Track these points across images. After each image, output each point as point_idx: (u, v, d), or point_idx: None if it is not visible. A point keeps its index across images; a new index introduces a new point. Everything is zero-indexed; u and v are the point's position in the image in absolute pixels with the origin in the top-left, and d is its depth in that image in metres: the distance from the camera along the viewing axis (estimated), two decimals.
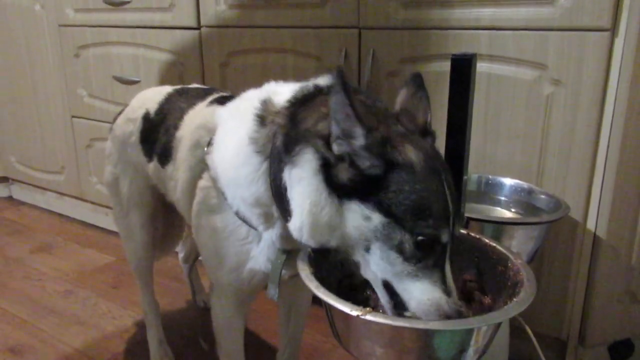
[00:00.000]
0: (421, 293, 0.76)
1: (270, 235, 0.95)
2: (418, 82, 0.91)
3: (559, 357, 1.48)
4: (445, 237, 0.76)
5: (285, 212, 0.85)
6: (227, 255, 1.00)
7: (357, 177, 0.76)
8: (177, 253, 1.86)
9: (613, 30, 1.20)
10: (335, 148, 0.77)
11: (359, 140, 0.75)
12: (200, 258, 1.75)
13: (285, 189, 0.83)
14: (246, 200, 0.93)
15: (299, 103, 0.87)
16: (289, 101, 0.89)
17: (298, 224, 0.81)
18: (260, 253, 0.97)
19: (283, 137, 0.85)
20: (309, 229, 0.80)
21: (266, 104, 0.93)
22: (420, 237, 0.74)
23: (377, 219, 0.76)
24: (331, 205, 0.79)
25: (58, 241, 2.44)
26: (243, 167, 0.92)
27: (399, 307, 0.79)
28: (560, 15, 1.24)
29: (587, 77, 1.25)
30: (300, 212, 0.80)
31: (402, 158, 0.76)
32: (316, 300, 1.35)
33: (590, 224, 1.34)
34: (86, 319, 1.81)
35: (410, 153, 0.77)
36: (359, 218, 0.77)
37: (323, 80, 0.90)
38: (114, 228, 2.43)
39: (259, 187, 0.90)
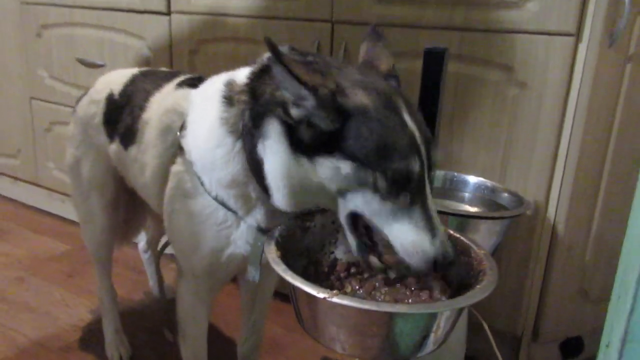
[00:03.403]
0: (404, 234, 0.76)
1: (255, 219, 0.95)
2: (377, 34, 0.95)
3: (513, 353, 1.52)
4: (416, 167, 0.76)
5: (265, 187, 0.87)
6: (204, 241, 0.99)
7: (317, 134, 0.78)
8: (135, 244, 1.82)
9: (577, 35, 1.25)
10: (293, 113, 0.79)
11: (309, 100, 0.77)
12: (166, 248, 1.73)
13: (262, 164, 0.85)
14: (222, 181, 0.93)
15: (257, 78, 0.89)
16: (248, 77, 0.91)
17: (280, 197, 0.84)
18: (240, 237, 0.97)
19: (249, 112, 0.88)
20: (289, 198, 0.84)
21: (230, 84, 0.94)
22: (390, 173, 0.75)
23: (346, 166, 0.77)
24: (302, 168, 0.81)
25: (11, 227, 2.35)
26: (217, 148, 0.92)
27: (371, 249, 0.82)
28: (528, 19, 1.28)
29: (551, 81, 1.29)
30: (276, 184, 0.84)
31: (353, 104, 0.77)
32: (278, 294, 1.36)
33: (549, 224, 1.38)
34: (38, 307, 1.75)
35: (362, 97, 0.78)
36: (330, 171, 0.78)
37: None
38: (70, 216, 2.37)
39: (235, 166, 0.91)
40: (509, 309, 1.48)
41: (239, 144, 0.90)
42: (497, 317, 1.48)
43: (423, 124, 0.81)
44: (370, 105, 0.77)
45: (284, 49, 0.90)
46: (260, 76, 0.89)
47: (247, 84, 0.90)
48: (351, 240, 0.84)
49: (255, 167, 0.88)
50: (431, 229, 0.76)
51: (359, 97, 0.78)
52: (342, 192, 0.80)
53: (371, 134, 0.76)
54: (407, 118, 0.78)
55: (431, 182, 0.80)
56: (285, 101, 0.79)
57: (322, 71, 0.80)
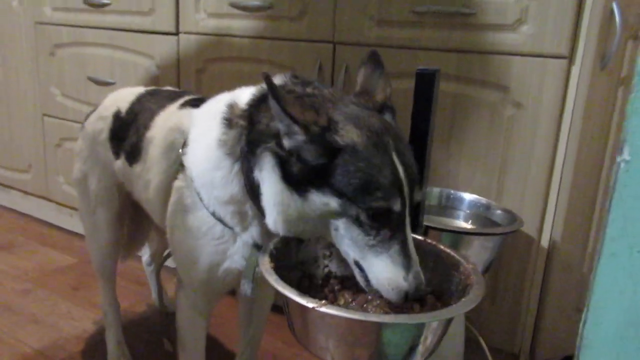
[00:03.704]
0: (380, 270, 0.81)
1: (250, 235, 0.98)
2: (375, 60, 0.96)
3: None
4: (397, 206, 0.80)
5: (260, 208, 0.90)
6: (202, 255, 1.02)
7: (306, 168, 0.81)
8: (139, 256, 1.85)
9: (571, 58, 1.28)
10: (286, 143, 0.82)
11: (300, 136, 0.80)
12: (167, 262, 1.76)
13: (259, 186, 0.88)
14: (220, 198, 0.97)
15: (256, 105, 0.93)
16: (248, 103, 0.94)
17: (272, 221, 0.87)
18: (237, 252, 1.00)
19: (246, 138, 0.91)
20: (282, 224, 0.86)
21: (232, 107, 0.97)
22: (371, 210, 0.79)
23: (333, 202, 0.81)
24: (295, 201, 0.84)
25: (20, 240, 2.40)
26: (217, 170, 0.95)
27: (370, 282, 0.83)
28: (523, 41, 1.32)
29: (546, 101, 1.32)
30: (271, 211, 0.86)
31: (343, 141, 0.80)
32: (278, 308, 1.38)
33: (544, 241, 1.40)
34: (44, 318, 1.78)
35: (352, 134, 0.81)
36: (320, 205, 0.82)
37: (277, 80, 0.93)
38: (78, 229, 2.41)
39: (234, 187, 0.95)
40: (506, 326, 1.49)
41: (237, 166, 0.93)
42: (494, 334, 1.50)
43: (410, 162, 0.84)
44: (359, 143, 0.80)
45: (286, 76, 0.94)
46: (259, 103, 0.92)
47: (246, 110, 0.93)
48: (358, 276, 0.86)
49: (251, 188, 0.91)
50: (407, 265, 0.80)
51: (349, 135, 0.81)
52: (334, 227, 0.84)
53: (357, 171, 0.79)
54: (394, 157, 0.81)
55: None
56: (279, 132, 0.83)
57: (317, 107, 0.83)
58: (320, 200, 0.81)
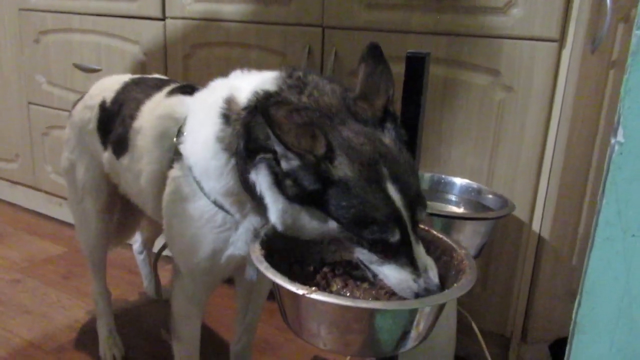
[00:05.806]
0: (391, 274, 0.81)
1: (251, 222, 0.97)
2: (377, 55, 0.91)
3: (503, 353, 1.54)
4: (394, 237, 0.79)
5: (260, 203, 0.88)
6: (203, 243, 1.01)
7: (302, 192, 0.80)
8: (130, 245, 1.84)
9: (561, 41, 1.27)
10: (283, 165, 0.80)
11: (295, 161, 0.78)
12: (164, 251, 1.75)
13: (255, 186, 0.86)
14: (217, 190, 0.96)
15: (251, 114, 0.89)
16: (245, 109, 0.91)
17: (274, 221, 0.85)
18: (239, 238, 0.99)
19: (243, 145, 0.88)
20: (283, 227, 0.85)
21: (230, 102, 0.94)
22: (369, 242, 0.80)
23: (332, 223, 0.81)
24: (294, 210, 0.83)
25: (8, 231, 2.37)
26: (212, 160, 0.94)
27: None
28: (512, 24, 1.31)
29: (536, 85, 1.32)
30: (272, 212, 0.85)
31: (337, 175, 0.78)
32: (271, 295, 1.38)
33: (535, 226, 1.40)
34: (34, 308, 1.77)
35: (345, 167, 0.78)
36: (319, 220, 0.82)
37: (271, 85, 0.90)
38: (67, 219, 2.39)
39: (229, 181, 0.94)
40: (498, 309, 1.50)
41: (233, 161, 0.91)
42: (486, 317, 1.50)
43: (409, 186, 0.81)
44: (351, 178, 0.78)
45: (281, 77, 0.91)
46: (254, 114, 0.88)
47: (244, 117, 0.90)
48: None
49: (246, 185, 0.90)
50: (415, 272, 0.80)
51: (342, 168, 0.78)
52: (334, 237, 0.84)
53: (350, 207, 0.78)
54: (390, 187, 0.78)
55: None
56: (276, 151, 0.80)
57: (314, 131, 0.79)
58: (320, 216, 0.81)
